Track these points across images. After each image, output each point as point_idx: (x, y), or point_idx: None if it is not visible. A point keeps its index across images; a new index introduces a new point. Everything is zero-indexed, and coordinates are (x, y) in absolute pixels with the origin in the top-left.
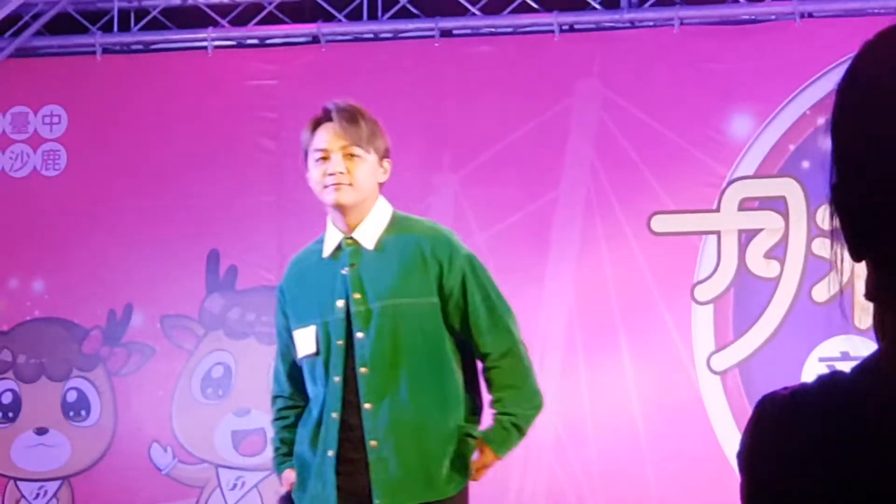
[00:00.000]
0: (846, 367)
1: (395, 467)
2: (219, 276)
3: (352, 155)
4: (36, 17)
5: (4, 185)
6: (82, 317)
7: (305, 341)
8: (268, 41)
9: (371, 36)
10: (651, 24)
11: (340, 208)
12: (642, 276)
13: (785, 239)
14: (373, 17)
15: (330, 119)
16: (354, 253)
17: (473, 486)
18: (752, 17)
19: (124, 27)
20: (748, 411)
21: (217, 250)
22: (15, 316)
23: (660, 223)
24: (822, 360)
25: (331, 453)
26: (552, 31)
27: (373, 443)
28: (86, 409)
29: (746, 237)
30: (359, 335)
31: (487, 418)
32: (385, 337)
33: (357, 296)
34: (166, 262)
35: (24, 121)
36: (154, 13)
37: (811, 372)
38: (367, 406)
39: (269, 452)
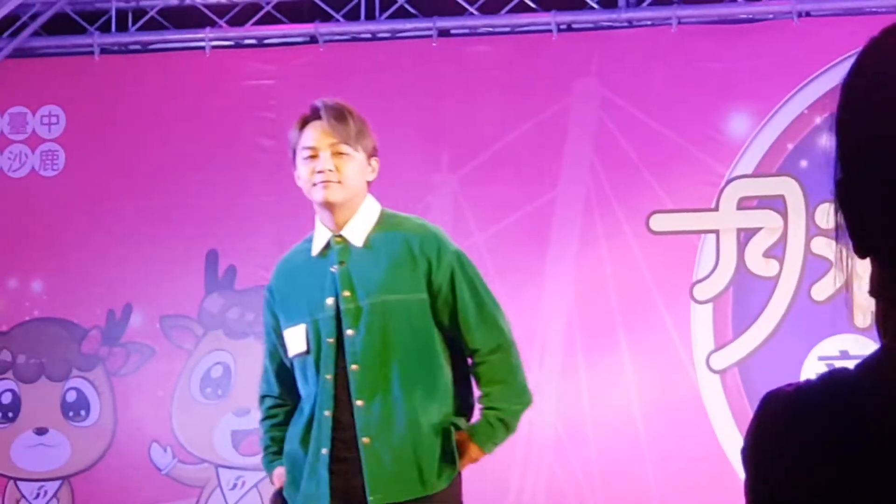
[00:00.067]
0: (846, 365)
1: (388, 463)
2: (218, 275)
3: (340, 153)
4: (34, 17)
5: (3, 186)
6: (81, 317)
7: (296, 340)
8: (265, 41)
9: (369, 36)
10: (649, 23)
11: (329, 206)
12: (641, 275)
13: (784, 238)
14: (370, 16)
15: (318, 117)
16: (343, 251)
17: (473, 486)
18: (750, 16)
19: (122, 27)
20: (748, 410)
21: (216, 250)
22: (14, 316)
23: (659, 222)
24: (821, 358)
25: (324, 451)
26: (550, 31)
27: (365, 439)
28: (85, 409)
29: (745, 236)
30: (349, 332)
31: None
32: (375, 334)
33: (346, 293)
34: (165, 262)
35: (23, 121)
36: (152, 13)
37: (810, 371)
38: (358, 403)
39: None
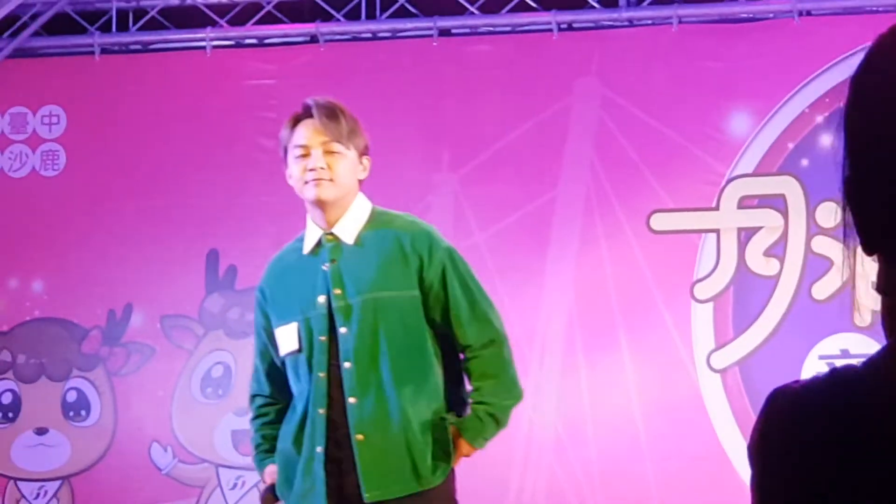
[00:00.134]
0: (851, 363)
1: (382, 459)
2: (218, 275)
3: (332, 151)
4: (34, 17)
5: (3, 186)
6: (82, 317)
7: (288, 338)
8: (266, 41)
9: (369, 35)
10: (650, 22)
11: (321, 204)
12: (642, 274)
13: (784, 237)
14: (371, 16)
15: (310, 115)
16: (335, 248)
17: (473, 486)
18: (751, 15)
19: (123, 27)
20: (748, 409)
21: (216, 250)
22: (15, 316)
23: (659, 221)
24: (822, 357)
25: (319, 449)
26: (551, 30)
27: (359, 436)
28: (86, 409)
29: (746, 235)
30: (342, 330)
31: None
32: (367, 331)
33: (338, 291)
34: (166, 262)
35: (23, 121)
36: (152, 13)
37: (811, 370)
38: (351, 400)
39: None
